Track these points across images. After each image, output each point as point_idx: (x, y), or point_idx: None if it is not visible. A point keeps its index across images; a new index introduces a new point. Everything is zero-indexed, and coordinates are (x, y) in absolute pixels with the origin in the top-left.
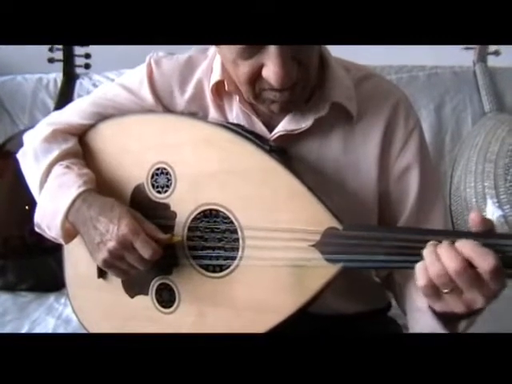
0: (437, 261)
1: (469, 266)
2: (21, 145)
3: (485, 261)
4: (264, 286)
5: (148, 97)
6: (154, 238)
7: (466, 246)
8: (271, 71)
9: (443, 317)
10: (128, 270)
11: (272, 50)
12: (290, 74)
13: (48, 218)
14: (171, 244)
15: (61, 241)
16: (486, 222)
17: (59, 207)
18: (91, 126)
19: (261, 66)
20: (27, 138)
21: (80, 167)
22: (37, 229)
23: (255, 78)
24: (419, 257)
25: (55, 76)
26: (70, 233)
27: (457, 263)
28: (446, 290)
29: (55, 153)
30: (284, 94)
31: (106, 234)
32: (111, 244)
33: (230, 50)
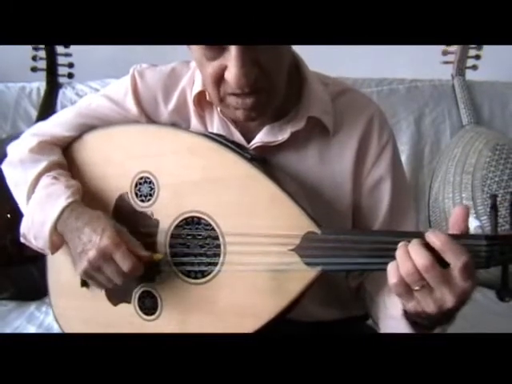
0: (407, 259)
1: (439, 262)
2: (3, 154)
3: (456, 257)
4: (245, 290)
5: (132, 108)
6: (135, 254)
7: (438, 241)
8: (230, 73)
9: (416, 324)
10: (105, 284)
11: (232, 51)
12: (249, 76)
13: (35, 228)
14: (152, 262)
15: (47, 251)
16: (466, 223)
17: (48, 217)
18: (76, 137)
19: (224, 68)
20: (12, 149)
21: (67, 178)
22: (22, 239)
23: (219, 80)
24: (395, 258)
25: (38, 85)
26: (57, 244)
27: (425, 259)
28: (416, 288)
29: (43, 164)
30: (246, 101)
31: (88, 244)
32: (91, 253)
33: (197, 51)
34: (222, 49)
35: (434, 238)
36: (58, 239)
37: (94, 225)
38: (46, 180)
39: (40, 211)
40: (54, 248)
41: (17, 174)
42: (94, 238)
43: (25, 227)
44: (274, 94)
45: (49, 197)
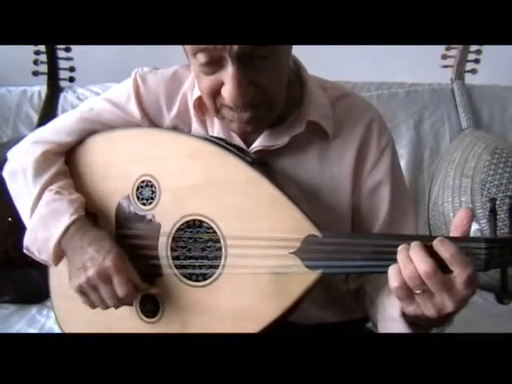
0: (409, 263)
1: (440, 267)
2: (3, 158)
3: (463, 269)
4: (246, 293)
5: (135, 112)
6: (132, 281)
7: (447, 252)
8: (227, 91)
9: (414, 324)
10: (97, 303)
11: (230, 70)
12: (245, 96)
13: (39, 244)
14: (147, 294)
15: (50, 264)
16: (469, 226)
17: (52, 234)
18: (78, 141)
19: (220, 84)
20: (14, 155)
21: (70, 192)
22: (25, 251)
23: (215, 93)
24: (395, 261)
25: (39, 88)
26: (60, 256)
27: (427, 265)
28: (418, 291)
29: (45, 177)
30: (242, 116)
31: (89, 261)
32: (91, 271)
33: (195, 65)
34: (220, 66)
35: (443, 249)
36: (62, 252)
37: (98, 245)
38: (48, 196)
39: (43, 228)
40: (58, 260)
41: (19, 186)
42: (97, 258)
43: (28, 241)
44: (271, 108)
45: (52, 214)
